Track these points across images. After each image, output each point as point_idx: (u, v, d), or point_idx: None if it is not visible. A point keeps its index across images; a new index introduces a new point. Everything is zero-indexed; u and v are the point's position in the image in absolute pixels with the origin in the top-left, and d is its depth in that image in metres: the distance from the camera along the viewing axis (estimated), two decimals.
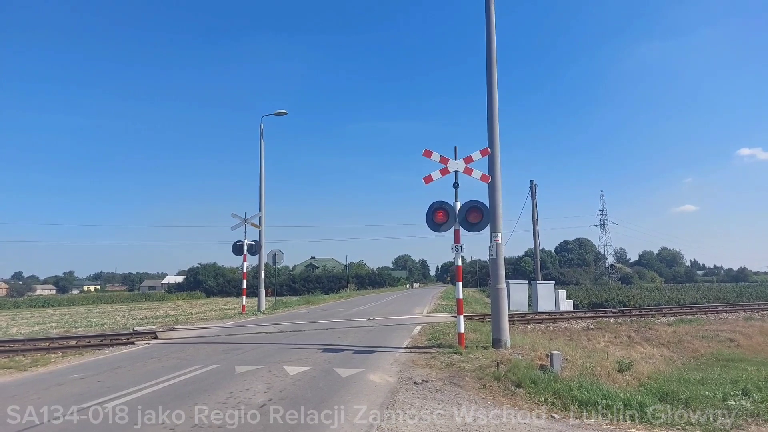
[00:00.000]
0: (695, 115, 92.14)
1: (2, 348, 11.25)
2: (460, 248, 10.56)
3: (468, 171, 10.52)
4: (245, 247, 24.10)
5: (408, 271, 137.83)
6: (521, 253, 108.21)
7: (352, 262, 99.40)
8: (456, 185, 10.63)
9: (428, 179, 10.55)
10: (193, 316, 23.26)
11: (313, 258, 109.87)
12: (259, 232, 24.73)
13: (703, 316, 19.24)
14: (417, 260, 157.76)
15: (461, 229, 10.51)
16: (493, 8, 11.19)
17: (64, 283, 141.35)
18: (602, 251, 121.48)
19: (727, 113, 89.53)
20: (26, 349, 11.10)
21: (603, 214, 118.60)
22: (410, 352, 10.38)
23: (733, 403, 7.56)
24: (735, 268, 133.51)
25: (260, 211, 24.80)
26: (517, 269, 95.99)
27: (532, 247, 39.31)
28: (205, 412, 6.07)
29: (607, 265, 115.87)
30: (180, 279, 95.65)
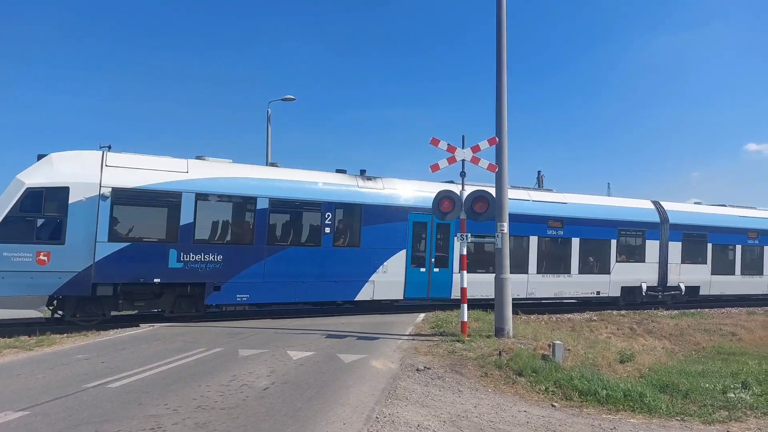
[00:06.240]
0: (703, 109, 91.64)
1: (8, 328, 11.34)
2: (465, 237, 10.57)
3: (475, 160, 10.48)
4: None
5: None
6: None
7: None
8: (463, 174, 10.62)
9: (435, 167, 10.53)
10: None
11: None
12: None
13: (706, 309, 19.24)
14: None
15: (467, 218, 10.54)
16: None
17: None
18: None
19: (735, 108, 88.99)
20: (31, 328, 11.17)
21: None
22: (413, 339, 10.43)
23: (732, 395, 7.58)
24: None
25: None
26: None
27: None
28: (208, 395, 6.14)
29: None
30: None
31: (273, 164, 14.29)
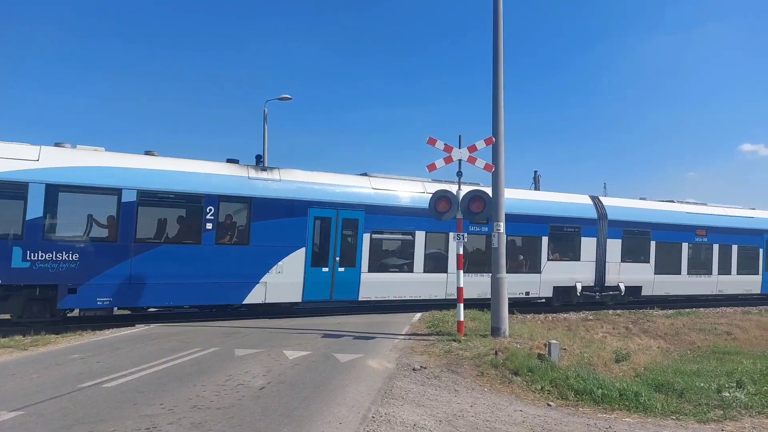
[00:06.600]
0: (699, 109, 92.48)
1: (2, 327, 11.29)
2: (462, 237, 10.59)
3: (472, 160, 10.51)
4: None
5: None
6: None
7: None
8: (459, 174, 10.66)
9: (432, 167, 10.55)
10: None
11: None
12: None
13: (702, 309, 19.27)
14: None
15: (463, 218, 10.58)
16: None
17: None
18: None
19: (731, 109, 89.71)
20: (26, 328, 11.12)
21: None
22: (409, 338, 10.44)
23: (727, 394, 7.62)
24: None
25: None
26: None
27: None
28: (204, 394, 6.13)
29: None
30: None
31: (149, 153, 12.66)
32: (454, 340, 9.78)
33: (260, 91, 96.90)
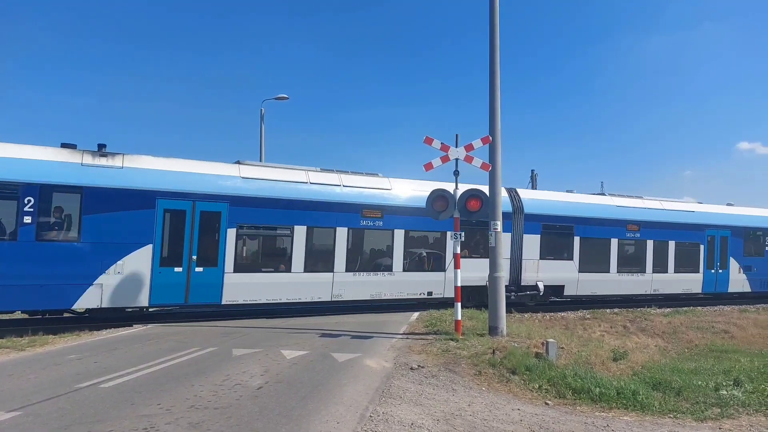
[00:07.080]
0: (696, 108, 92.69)
1: (0, 328, 11.26)
2: (459, 236, 10.62)
3: (468, 159, 10.52)
4: None
5: None
6: None
7: None
8: (456, 173, 10.66)
9: (429, 166, 10.56)
10: None
11: None
12: None
13: (699, 307, 19.24)
14: None
15: (460, 217, 10.59)
16: None
17: None
18: None
19: (728, 107, 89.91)
20: (24, 328, 11.10)
21: None
22: (407, 338, 10.44)
23: (724, 392, 7.64)
24: None
25: None
26: None
27: None
28: (201, 394, 6.12)
29: None
30: None
31: None
32: (452, 340, 9.79)
33: (259, 92, 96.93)
